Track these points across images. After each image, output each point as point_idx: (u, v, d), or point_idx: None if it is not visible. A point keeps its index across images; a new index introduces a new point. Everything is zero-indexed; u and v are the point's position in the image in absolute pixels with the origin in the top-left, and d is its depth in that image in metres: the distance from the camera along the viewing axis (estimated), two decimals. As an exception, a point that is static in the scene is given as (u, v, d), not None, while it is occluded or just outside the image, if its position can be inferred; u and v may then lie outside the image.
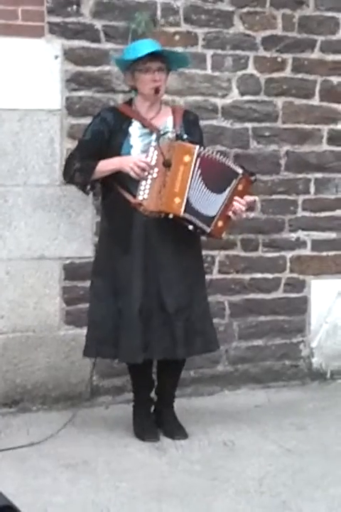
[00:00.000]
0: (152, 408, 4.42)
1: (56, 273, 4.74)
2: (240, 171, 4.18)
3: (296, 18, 5.11)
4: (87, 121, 4.43)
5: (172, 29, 4.86)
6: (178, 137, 4.13)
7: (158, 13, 4.81)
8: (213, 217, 4.15)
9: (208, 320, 4.34)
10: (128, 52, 4.27)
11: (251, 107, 5.07)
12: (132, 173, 4.10)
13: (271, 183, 5.15)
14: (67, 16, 4.66)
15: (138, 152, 4.18)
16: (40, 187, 4.68)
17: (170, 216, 4.09)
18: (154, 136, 4.15)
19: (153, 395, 4.43)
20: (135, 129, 4.22)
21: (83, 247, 4.75)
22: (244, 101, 5.05)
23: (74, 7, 4.68)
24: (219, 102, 5.00)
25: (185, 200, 4.06)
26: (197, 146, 4.10)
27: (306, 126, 5.19)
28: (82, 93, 4.73)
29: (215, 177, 4.13)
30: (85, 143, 4.26)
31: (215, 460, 4.04)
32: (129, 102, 4.35)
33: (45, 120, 4.66)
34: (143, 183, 4.12)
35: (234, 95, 5.04)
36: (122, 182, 4.17)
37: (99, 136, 4.21)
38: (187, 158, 4.07)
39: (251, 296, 5.15)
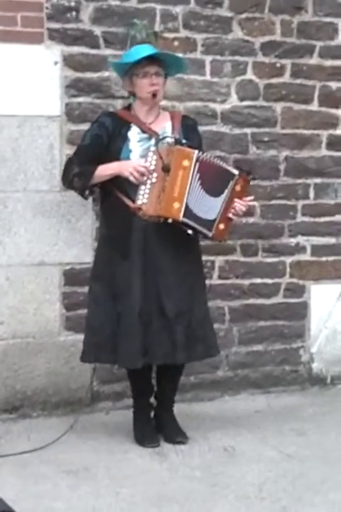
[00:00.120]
0: (152, 413, 4.42)
1: (56, 279, 4.74)
2: (236, 171, 4.21)
3: (295, 24, 5.12)
4: (86, 127, 4.43)
5: (171, 35, 4.87)
6: (177, 142, 4.14)
7: (157, 19, 4.83)
8: (213, 221, 4.17)
9: (208, 325, 4.35)
10: (125, 58, 4.30)
11: (250, 112, 5.07)
12: (131, 178, 4.10)
13: (271, 189, 5.15)
14: (67, 22, 4.67)
15: (137, 157, 4.19)
16: (39, 193, 4.68)
17: (170, 221, 4.10)
18: (153, 141, 4.16)
19: (152, 400, 4.43)
20: (134, 133, 4.23)
21: (83, 253, 4.75)
22: (243, 106, 5.06)
23: (74, 13, 4.69)
24: (218, 107, 5.01)
25: (184, 205, 4.07)
26: (196, 151, 4.11)
27: (305, 132, 5.20)
28: (81, 99, 4.73)
29: (213, 180, 4.14)
30: (84, 148, 4.27)
31: (215, 466, 4.04)
32: (128, 107, 4.37)
33: (44, 126, 4.66)
34: (142, 187, 4.13)
35: (233, 101, 5.04)
36: (121, 187, 4.17)
37: (97, 141, 4.22)
38: (186, 163, 4.08)
39: (251, 301, 5.15)
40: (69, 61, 4.70)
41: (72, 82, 4.72)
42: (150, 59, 4.17)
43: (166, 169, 4.08)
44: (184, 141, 4.16)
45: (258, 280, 5.16)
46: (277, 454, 4.19)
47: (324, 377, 5.28)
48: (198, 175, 4.09)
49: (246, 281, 5.13)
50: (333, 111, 5.25)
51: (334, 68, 5.22)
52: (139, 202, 4.13)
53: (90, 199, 4.47)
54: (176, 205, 4.07)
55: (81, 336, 4.40)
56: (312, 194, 5.25)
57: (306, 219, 5.24)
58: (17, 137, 4.63)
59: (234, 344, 5.12)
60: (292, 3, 5.10)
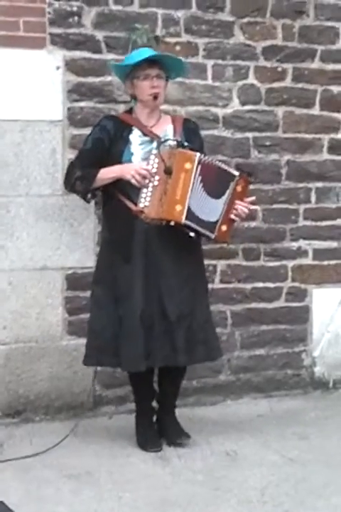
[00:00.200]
0: (154, 417, 4.42)
1: (58, 283, 4.74)
2: (236, 172, 4.22)
3: (296, 28, 5.13)
4: (88, 131, 4.43)
5: (173, 40, 4.87)
6: (179, 145, 4.15)
7: (159, 23, 4.84)
8: (215, 223, 4.17)
9: (210, 328, 4.34)
10: (127, 60, 4.32)
11: (251, 116, 5.08)
12: (133, 181, 4.11)
13: (272, 193, 5.15)
14: (69, 27, 4.68)
15: (139, 160, 4.19)
16: (42, 197, 4.69)
17: (172, 223, 4.10)
18: (155, 144, 4.16)
19: (154, 404, 4.43)
20: (135, 136, 4.23)
21: (85, 257, 4.76)
22: (244, 111, 5.07)
23: (76, 18, 4.70)
24: (219, 111, 5.01)
25: (186, 208, 4.07)
26: (198, 154, 4.11)
27: (307, 136, 5.21)
28: (83, 104, 4.74)
29: (214, 182, 4.15)
30: (86, 151, 4.27)
31: (218, 470, 4.04)
32: (129, 111, 4.38)
33: (46, 131, 4.67)
34: (144, 190, 4.13)
35: (235, 105, 5.05)
36: (123, 190, 4.18)
37: (99, 145, 4.23)
38: (188, 166, 4.08)
39: (253, 305, 5.15)
40: (71, 66, 4.71)
41: (74, 86, 4.72)
42: (151, 61, 4.19)
43: (168, 172, 4.08)
44: (186, 143, 4.17)
45: (260, 284, 5.16)
46: (279, 458, 4.18)
47: (326, 381, 5.27)
48: (200, 177, 4.10)
49: (248, 286, 5.14)
50: (335, 115, 5.25)
51: (335, 72, 5.23)
52: (141, 205, 4.14)
53: (92, 203, 4.47)
54: (178, 207, 4.08)
55: (83, 341, 4.40)
56: (313, 198, 5.25)
57: (308, 223, 5.25)
58: (19, 142, 4.64)
59: (236, 348, 5.12)
60: (293, 8, 5.11)
